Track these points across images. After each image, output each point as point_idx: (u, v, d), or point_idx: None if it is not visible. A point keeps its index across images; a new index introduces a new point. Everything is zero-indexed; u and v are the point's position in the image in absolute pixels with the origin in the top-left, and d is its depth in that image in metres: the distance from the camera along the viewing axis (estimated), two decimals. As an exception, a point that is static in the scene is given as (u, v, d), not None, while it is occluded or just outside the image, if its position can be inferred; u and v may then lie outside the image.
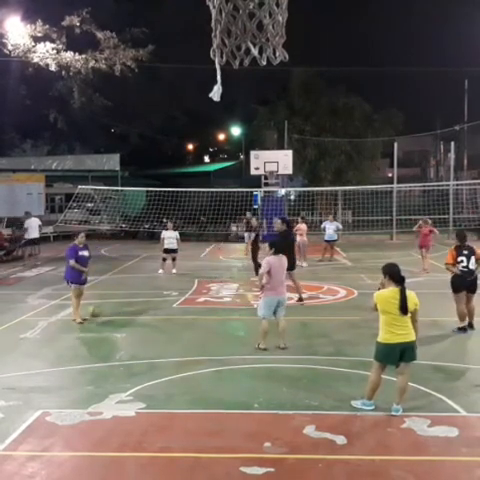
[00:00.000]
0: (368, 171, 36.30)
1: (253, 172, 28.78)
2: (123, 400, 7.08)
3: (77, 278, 11.20)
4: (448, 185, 30.44)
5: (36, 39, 24.36)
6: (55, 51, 24.64)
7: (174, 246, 17.64)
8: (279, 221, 13.13)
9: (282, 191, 30.52)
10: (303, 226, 19.66)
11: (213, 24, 5.44)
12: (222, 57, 5.53)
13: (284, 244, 12.59)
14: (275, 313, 9.27)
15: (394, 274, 6.61)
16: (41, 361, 8.85)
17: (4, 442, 5.94)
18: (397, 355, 6.51)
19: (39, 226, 21.16)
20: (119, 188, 31.53)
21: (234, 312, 12.43)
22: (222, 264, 20.41)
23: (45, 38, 24.49)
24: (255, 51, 5.51)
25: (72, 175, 34.63)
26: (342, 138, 33.94)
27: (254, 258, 16.36)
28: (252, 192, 29.38)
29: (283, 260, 9.38)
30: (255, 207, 29.05)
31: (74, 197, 27.40)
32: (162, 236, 17.95)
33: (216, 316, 11.99)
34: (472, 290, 10.34)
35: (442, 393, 7.16)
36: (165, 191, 26.86)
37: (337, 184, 32.33)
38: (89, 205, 30.44)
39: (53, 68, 24.85)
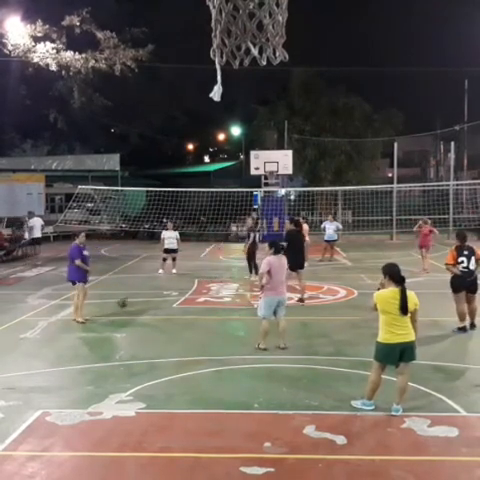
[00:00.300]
0: (368, 171, 36.30)
1: (253, 172, 28.79)
2: (123, 400, 7.08)
3: (84, 277, 11.40)
4: (448, 185, 30.44)
5: (36, 39, 24.36)
6: (55, 51, 24.64)
7: (174, 246, 17.65)
8: (287, 221, 13.22)
9: (282, 191, 30.53)
10: (305, 226, 19.64)
11: (213, 24, 5.44)
12: (222, 57, 5.53)
13: (293, 243, 12.70)
14: (275, 313, 9.27)
15: (394, 274, 6.61)
16: (41, 361, 8.86)
17: (4, 442, 5.94)
18: (397, 355, 6.51)
19: (42, 226, 21.32)
20: (119, 188, 31.53)
21: (234, 312, 12.43)
22: (222, 264, 20.41)
23: (45, 38, 24.49)
24: (255, 51, 5.51)
25: (72, 175, 34.64)
26: (342, 138, 33.94)
27: (249, 258, 16.33)
28: (252, 192, 29.38)
29: (283, 260, 9.38)
30: (255, 207, 29.07)
31: (74, 197, 27.41)
32: (162, 236, 17.95)
33: (216, 316, 11.99)
34: (472, 290, 10.34)
35: (442, 393, 7.16)
36: (165, 191, 26.87)
37: (337, 184, 32.33)
38: (89, 205, 30.44)
39: (53, 68, 24.86)
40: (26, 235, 23.02)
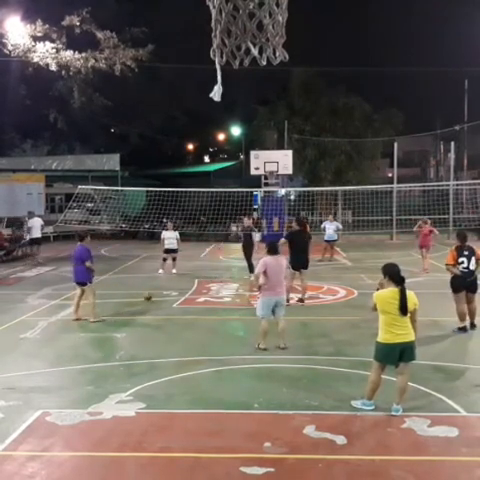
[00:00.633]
0: (368, 171, 36.31)
1: (253, 172, 28.78)
2: (123, 400, 7.08)
3: (92, 277, 11.66)
4: (448, 185, 30.44)
5: (36, 39, 24.36)
6: (55, 51, 24.63)
7: (174, 246, 17.65)
8: (294, 223, 13.30)
9: (282, 191, 30.52)
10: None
11: (213, 24, 5.44)
12: (222, 57, 5.52)
13: (295, 243, 12.71)
14: (274, 313, 9.27)
15: (394, 274, 6.60)
16: (41, 361, 8.86)
17: (4, 442, 5.94)
18: (397, 355, 6.51)
19: (42, 226, 21.34)
20: (119, 188, 31.52)
21: (234, 312, 12.43)
22: (222, 264, 20.41)
23: (45, 38, 24.49)
24: (255, 51, 5.51)
25: (72, 175, 34.63)
26: (342, 138, 33.94)
27: (247, 258, 16.35)
28: (252, 192, 29.37)
29: (280, 260, 9.36)
30: (255, 207, 29.06)
31: (74, 197, 27.40)
32: (162, 236, 17.96)
33: (216, 316, 11.99)
34: (472, 290, 10.34)
35: (442, 393, 7.16)
36: (165, 191, 26.85)
37: (337, 184, 32.32)
38: (89, 205, 30.43)
39: (53, 68, 24.85)
40: (27, 235, 23.06)
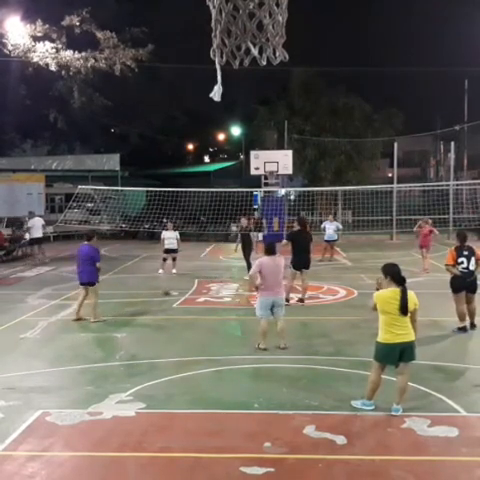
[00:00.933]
0: (368, 171, 36.30)
1: (253, 172, 28.75)
2: (123, 400, 7.08)
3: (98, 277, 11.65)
4: (448, 185, 30.43)
5: (36, 39, 24.36)
6: (55, 50, 24.63)
7: (174, 246, 17.66)
8: (295, 221, 13.36)
9: (282, 191, 30.51)
10: None
11: (213, 24, 5.43)
12: (222, 57, 5.52)
13: (297, 243, 12.71)
14: (273, 313, 9.27)
15: (395, 275, 6.60)
16: (41, 361, 8.86)
17: (4, 442, 5.94)
18: (397, 355, 6.51)
19: (43, 226, 21.42)
20: (119, 188, 31.51)
21: (234, 312, 12.43)
22: (222, 264, 20.41)
23: (45, 38, 24.49)
24: (255, 51, 5.51)
25: (72, 175, 34.61)
26: (342, 138, 33.94)
27: (246, 258, 16.41)
28: (252, 192, 29.36)
29: (278, 261, 9.34)
30: (255, 207, 29.04)
31: (74, 197, 27.35)
32: (162, 236, 17.96)
33: (216, 316, 11.99)
34: (472, 290, 10.33)
35: (442, 393, 7.16)
36: (165, 191, 26.83)
37: (337, 184, 32.31)
38: (89, 205, 30.42)
39: (53, 68, 24.85)
40: (27, 235, 23.07)
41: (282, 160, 28.15)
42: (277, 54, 5.56)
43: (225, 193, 27.62)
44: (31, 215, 22.29)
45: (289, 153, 28.98)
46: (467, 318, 10.31)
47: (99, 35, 25.42)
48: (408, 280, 6.70)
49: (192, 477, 5.34)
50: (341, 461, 5.53)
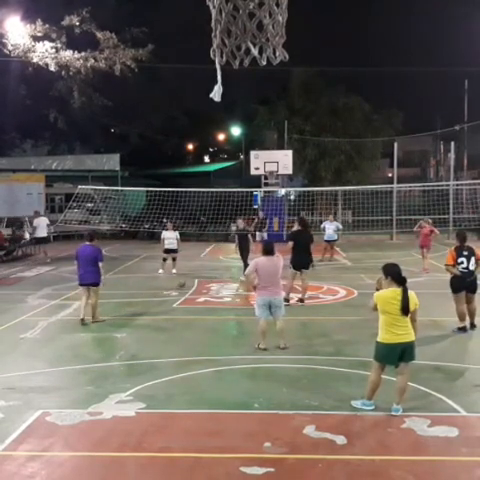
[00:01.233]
0: (368, 171, 36.33)
1: (253, 172, 28.80)
2: (123, 400, 7.08)
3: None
4: (448, 185, 30.43)
5: (36, 39, 24.35)
6: (54, 50, 24.62)
7: (174, 246, 17.66)
8: (296, 221, 13.40)
9: (282, 191, 30.53)
10: None
11: (213, 24, 5.43)
12: (222, 57, 5.52)
13: (298, 243, 12.72)
14: (272, 313, 9.27)
15: (396, 275, 6.59)
16: (41, 361, 8.86)
17: (4, 442, 5.94)
18: (397, 355, 6.51)
19: (47, 225, 21.54)
20: (119, 188, 31.52)
21: (234, 312, 12.43)
22: (222, 264, 20.41)
23: (45, 38, 24.48)
24: (255, 51, 5.50)
25: (72, 175, 34.61)
26: (342, 138, 33.95)
27: (244, 258, 16.45)
28: (252, 192, 29.38)
29: (275, 261, 9.32)
30: (255, 207, 29.06)
31: (74, 197, 27.39)
32: (162, 236, 17.98)
33: (216, 316, 11.99)
34: (472, 290, 10.33)
35: (442, 393, 7.16)
36: (165, 191, 26.86)
37: (337, 184, 32.32)
38: (89, 205, 30.43)
39: (52, 68, 24.84)
40: (27, 235, 23.10)
41: (282, 160, 28.21)
42: (277, 54, 5.56)
43: (225, 193, 27.64)
44: (36, 214, 22.42)
45: (289, 153, 29.03)
46: (467, 318, 10.31)
47: (99, 35, 25.41)
48: (408, 280, 6.69)
49: (192, 477, 5.33)
50: (341, 461, 5.53)
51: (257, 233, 22.43)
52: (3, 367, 8.49)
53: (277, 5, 5.39)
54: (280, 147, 32.99)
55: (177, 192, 27.18)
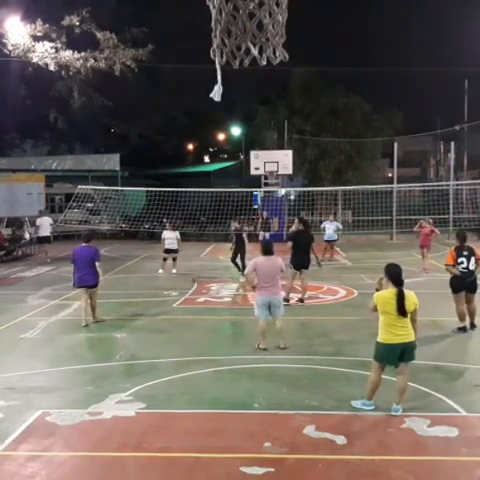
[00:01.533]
0: (368, 171, 36.32)
1: (253, 172, 28.80)
2: (123, 400, 7.08)
3: None
4: (448, 185, 30.43)
5: (36, 39, 24.35)
6: (54, 50, 24.62)
7: (174, 246, 17.66)
8: (296, 220, 13.38)
9: (282, 191, 30.53)
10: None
11: (213, 24, 5.43)
12: (222, 57, 5.52)
13: (297, 243, 12.71)
14: (271, 313, 9.27)
15: (394, 275, 6.60)
16: (41, 361, 8.86)
17: (4, 442, 5.94)
18: (397, 355, 6.52)
19: (51, 225, 21.60)
20: (119, 188, 31.52)
21: (234, 312, 12.44)
22: (222, 264, 20.40)
23: (45, 38, 24.48)
24: (255, 51, 5.50)
25: (72, 175, 34.60)
26: (342, 138, 33.95)
27: (233, 259, 16.47)
28: (252, 192, 29.39)
29: (274, 261, 9.32)
30: (255, 207, 29.06)
31: (74, 197, 27.39)
32: (162, 236, 17.98)
33: (216, 316, 12.00)
34: (472, 290, 10.33)
35: (442, 393, 7.16)
36: (165, 191, 26.86)
37: (337, 184, 32.32)
38: (89, 205, 30.43)
39: (52, 68, 24.84)
40: (27, 235, 23.10)
41: (282, 160, 28.22)
42: (277, 54, 5.56)
43: (225, 193, 27.65)
44: (40, 214, 22.50)
45: (289, 153, 29.03)
46: (467, 318, 10.31)
47: (99, 35, 25.41)
48: (408, 280, 6.72)
49: (192, 477, 5.34)
50: (341, 461, 5.53)
51: (260, 233, 22.50)
52: (3, 367, 8.49)
53: (277, 5, 5.39)
54: (280, 147, 32.99)
55: (177, 192, 27.18)
